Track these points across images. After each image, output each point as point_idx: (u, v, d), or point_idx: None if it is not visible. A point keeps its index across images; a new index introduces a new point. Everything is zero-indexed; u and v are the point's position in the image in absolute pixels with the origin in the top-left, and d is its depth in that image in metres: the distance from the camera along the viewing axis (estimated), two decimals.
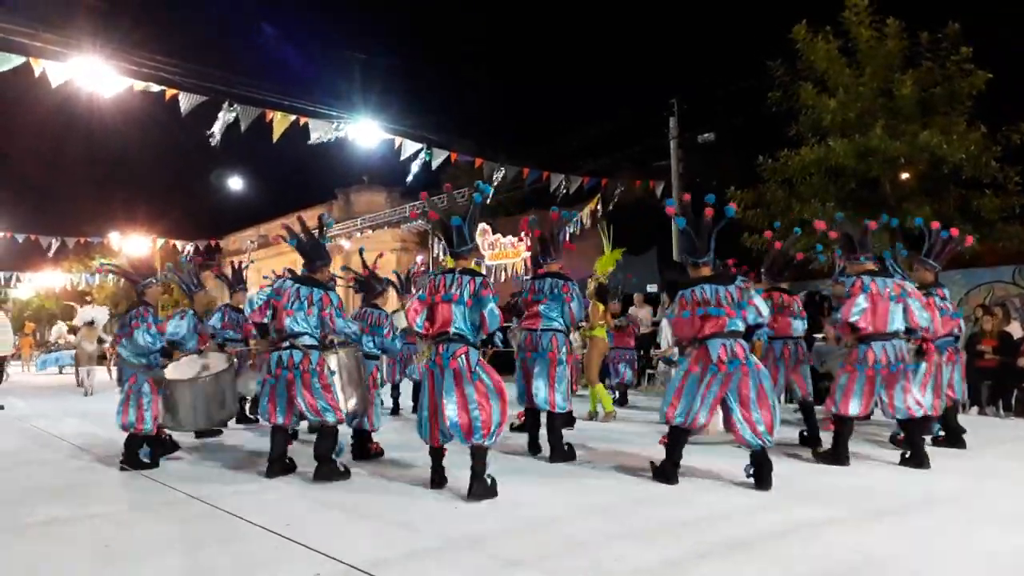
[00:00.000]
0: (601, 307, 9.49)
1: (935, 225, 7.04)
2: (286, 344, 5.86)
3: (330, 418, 5.83)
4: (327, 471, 5.76)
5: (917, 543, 4.03)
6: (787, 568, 3.64)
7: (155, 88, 12.36)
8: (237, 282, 9.70)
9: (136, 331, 6.43)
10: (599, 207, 21.05)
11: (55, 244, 27.08)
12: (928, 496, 5.06)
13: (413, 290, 8.38)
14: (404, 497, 5.23)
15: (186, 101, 12.57)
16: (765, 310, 5.58)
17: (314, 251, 6.19)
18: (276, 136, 13.31)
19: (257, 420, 9.39)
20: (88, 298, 39.13)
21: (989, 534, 4.18)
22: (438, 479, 5.44)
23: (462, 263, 5.54)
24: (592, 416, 9.38)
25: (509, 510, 4.85)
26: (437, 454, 5.46)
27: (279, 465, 5.95)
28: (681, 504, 4.93)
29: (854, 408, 6.10)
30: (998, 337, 10.14)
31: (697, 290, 5.46)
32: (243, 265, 10.08)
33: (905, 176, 13.77)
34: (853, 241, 6.33)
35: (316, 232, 6.26)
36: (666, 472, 5.53)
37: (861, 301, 5.99)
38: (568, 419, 7.80)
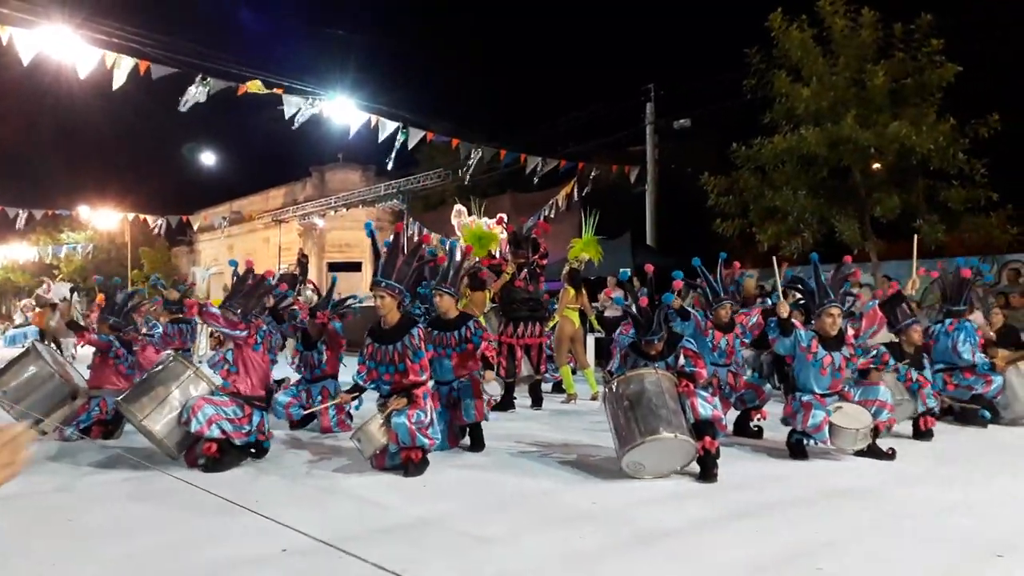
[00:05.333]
0: (572, 291, 9.47)
1: (966, 273, 7.79)
2: None
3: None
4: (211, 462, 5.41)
5: (876, 527, 4.14)
6: (752, 547, 3.76)
7: (127, 59, 12.15)
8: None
9: None
10: (574, 191, 21.12)
11: (23, 216, 26.56)
12: (888, 482, 5.17)
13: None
14: (374, 476, 5.27)
15: (159, 73, 12.40)
16: (697, 367, 5.53)
17: None
18: (247, 91, 13.33)
19: None
20: (55, 271, 38.49)
21: (948, 519, 4.29)
22: None
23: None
24: (594, 398, 9.20)
25: (478, 491, 4.93)
26: None
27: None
28: (641, 486, 4.99)
29: None
30: None
31: (631, 359, 5.74)
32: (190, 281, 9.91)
33: (876, 166, 13.96)
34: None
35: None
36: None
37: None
38: (508, 403, 8.18)
